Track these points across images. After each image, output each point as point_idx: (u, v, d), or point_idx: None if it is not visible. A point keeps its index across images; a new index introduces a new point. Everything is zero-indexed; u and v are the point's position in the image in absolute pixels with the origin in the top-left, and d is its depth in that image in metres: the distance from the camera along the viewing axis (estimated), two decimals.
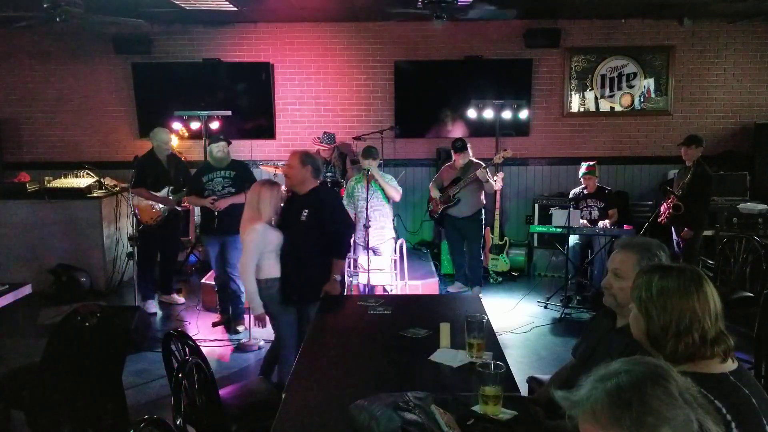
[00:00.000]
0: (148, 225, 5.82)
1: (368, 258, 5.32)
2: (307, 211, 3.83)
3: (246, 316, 5.26)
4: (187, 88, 7.51)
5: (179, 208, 6.07)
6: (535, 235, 7.19)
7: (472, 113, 7.22)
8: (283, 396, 2.40)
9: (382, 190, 5.64)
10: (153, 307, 5.99)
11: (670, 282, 1.72)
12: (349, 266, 5.71)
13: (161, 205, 5.85)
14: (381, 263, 5.56)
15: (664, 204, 5.95)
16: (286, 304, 3.85)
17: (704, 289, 1.70)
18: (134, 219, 5.80)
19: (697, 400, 1.12)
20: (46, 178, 6.68)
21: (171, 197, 5.86)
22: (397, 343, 2.90)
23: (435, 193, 6.31)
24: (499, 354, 2.70)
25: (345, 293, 5.53)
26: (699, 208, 5.90)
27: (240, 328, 5.36)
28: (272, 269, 3.86)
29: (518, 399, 2.28)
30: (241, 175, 5.38)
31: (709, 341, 1.65)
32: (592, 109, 7.66)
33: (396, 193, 5.68)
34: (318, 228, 3.80)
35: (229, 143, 5.46)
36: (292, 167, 3.89)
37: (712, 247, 6.22)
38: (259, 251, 3.81)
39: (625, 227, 6.04)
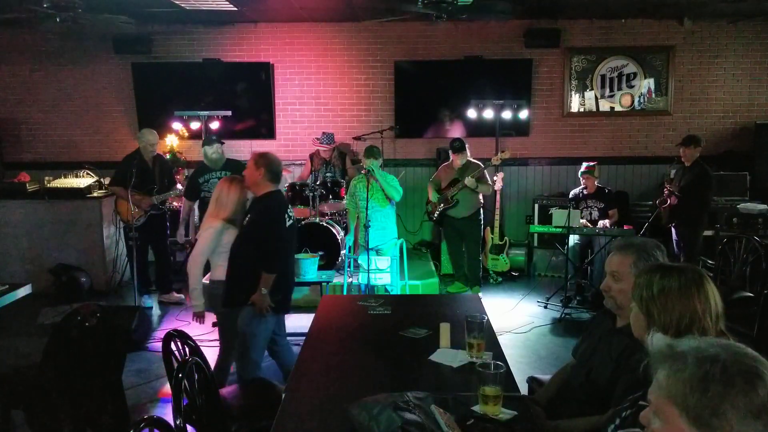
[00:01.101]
0: (129, 224, 5.81)
1: (368, 258, 5.32)
2: (249, 216, 3.68)
3: None
4: (187, 88, 7.51)
5: (164, 207, 6.07)
6: (535, 235, 7.19)
7: (472, 113, 7.22)
8: (283, 396, 2.39)
9: (383, 190, 5.65)
10: (148, 301, 6.04)
11: (671, 281, 1.72)
12: (349, 266, 5.72)
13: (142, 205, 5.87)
14: (382, 263, 5.56)
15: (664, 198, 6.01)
16: (224, 306, 3.77)
17: (705, 288, 1.70)
18: (116, 218, 5.89)
19: None
20: (46, 178, 6.68)
21: (155, 197, 5.86)
22: (397, 343, 2.90)
23: (433, 197, 6.30)
24: (499, 354, 2.69)
25: (345, 294, 5.55)
26: (698, 208, 5.91)
27: None
28: (220, 271, 3.79)
29: (518, 399, 2.28)
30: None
31: None
32: (592, 109, 7.66)
33: (395, 193, 5.68)
34: (254, 236, 3.60)
35: (222, 144, 5.47)
36: (247, 167, 3.72)
37: (712, 247, 6.22)
38: (211, 248, 3.79)
39: (625, 227, 6.04)
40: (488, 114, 7.11)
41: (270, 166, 3.65)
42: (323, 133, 6.84)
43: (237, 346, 3.70)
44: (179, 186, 6.15)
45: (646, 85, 7.58)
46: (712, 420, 1.04)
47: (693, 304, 1.68)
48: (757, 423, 1.02)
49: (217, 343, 5.14)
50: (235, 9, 6.53)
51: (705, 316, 1.68)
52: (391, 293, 5.47)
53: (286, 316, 4.98)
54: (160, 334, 5.28)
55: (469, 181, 6.01)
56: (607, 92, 7.62)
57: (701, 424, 1.05)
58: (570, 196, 6.43)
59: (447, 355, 2.69)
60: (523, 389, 2.84)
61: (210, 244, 3.77)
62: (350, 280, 5.70)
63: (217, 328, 5.44)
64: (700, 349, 1.10)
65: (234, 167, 5.52)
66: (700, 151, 5.90)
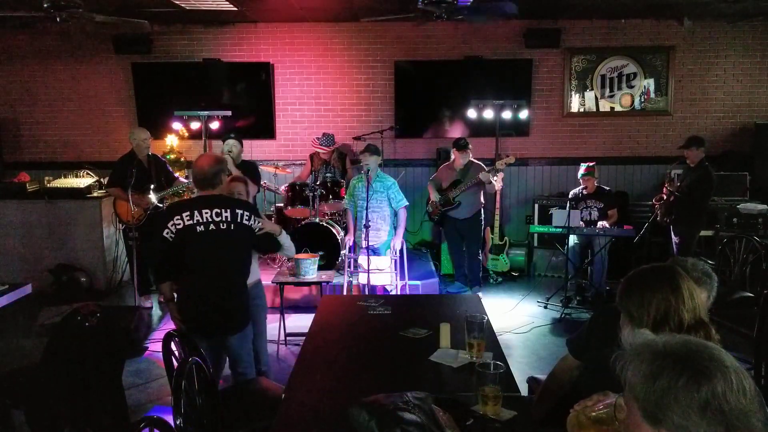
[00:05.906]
0: (129, 224, 5.80)
1: (368, 258, 5.32)
2: None
3: None
4: (187, 88, 7.51)
5: (162, 206, 6.06)
6: (535, 235, 7.19)
7: (472, 113, 7.21)
8: (283, 396, 2.40)
9: (382, 191, 5.65)
10: (148, 302, 6.03)
11: (645, 279, 1.86)
12: (349, 266, 5.72)
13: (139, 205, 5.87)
14: (381, 263, 5.56)
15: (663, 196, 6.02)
16: None
17: (677, 282, 1.82)
18: (115, 219, 5.88)
19: (735, 408, 1.03)
20: (46, 178, 6.68)
21: (153, 196, 5.85)
22: (397, 343, 2.90)
23: (435, 196, 6.29)
24: (499, 354, 2.69)
25: (345, 293, 5.55)
26: (696, 209, 5.91)
27: None
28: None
29: (518, 399, 2.28)
30: (249, 174, 5.41)
31: (686, 329, 1.76)
32: (592, 109, 7.66)
33: (398, 203, 5.70)
34: None
35: (240, 143, 5.50)
36: None
37: (712, 247, 6.22)
38: None
39: (625, 227, 6.04)
40: (488, 114, 7.10)
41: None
42: (323, 134, 6.83)
43: None
44: (183, 179, 6.13)
45: (646, 85, 7.57)
46: (657, 413, 1.07)
47: (666, 296, 1.79)
48: (701, 420, 1.04)
49: None
50: (235, 9, 6.53)
51: (680, 307, 1.77)
52: (391, 293, 5.47)
53: (286, 318, 4.98)
54: (159, 334, 5.28)
55: (483, 175, 5.98)
56: (607, 92, 7.62)
57: (648, 415, 1.09)
58: (570, 196, 6.43)
59: (447, 355, 2.69)
60: (523, 389, 2.84)
61: None
62: (350, 280, 5.70)
63: None
64: (666, 344, 1.13)
65: (247, 168, 5.53)
66: (704, 152, 5.90)
